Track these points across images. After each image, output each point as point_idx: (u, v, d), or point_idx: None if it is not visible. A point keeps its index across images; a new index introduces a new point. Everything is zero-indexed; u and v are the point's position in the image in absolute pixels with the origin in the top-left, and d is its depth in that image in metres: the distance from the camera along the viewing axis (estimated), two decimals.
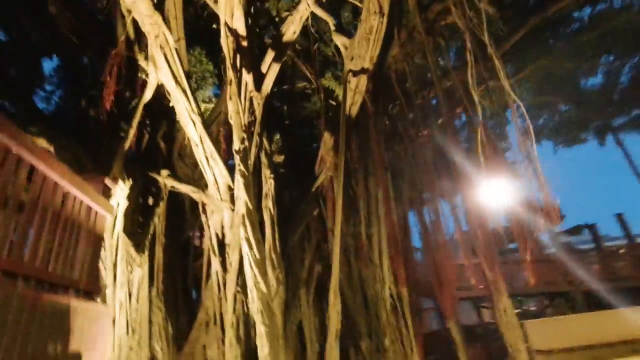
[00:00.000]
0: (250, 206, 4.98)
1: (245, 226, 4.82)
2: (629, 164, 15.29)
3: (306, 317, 6.36)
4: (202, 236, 8.32)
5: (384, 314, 5.76)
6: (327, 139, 7.08)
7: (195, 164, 7.35)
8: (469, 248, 6.40)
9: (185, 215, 7.67)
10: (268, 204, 5.88)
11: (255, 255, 4.64)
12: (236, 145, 5.39)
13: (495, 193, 7.63)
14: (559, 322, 13.06)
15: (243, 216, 4.90)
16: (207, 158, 5.76)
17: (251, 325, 5.03)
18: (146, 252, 5.27)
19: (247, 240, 4.73)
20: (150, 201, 6.02)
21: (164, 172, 6.34)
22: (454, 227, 6.72)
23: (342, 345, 7.16)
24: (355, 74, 6.00)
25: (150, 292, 5.12)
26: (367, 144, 6.71)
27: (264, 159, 6.20)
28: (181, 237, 7.41)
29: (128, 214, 5.04)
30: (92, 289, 3.60)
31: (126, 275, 4.72)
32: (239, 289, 5.05)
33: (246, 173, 5.16)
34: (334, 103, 8.67)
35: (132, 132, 5.35)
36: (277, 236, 5.74)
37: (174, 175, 6.51)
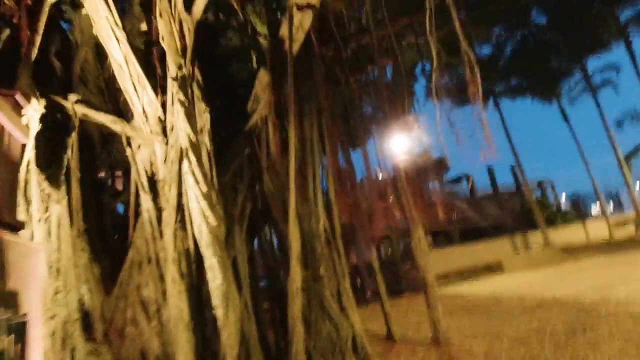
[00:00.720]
0: (193, 139, 4.67)
1: (189, 160, 4.54)
2: (502, 124, 18.33)
3: (239, 253, 6.46)
4: (114, 174, 7.48)
5: (318, 247, 6.20)
6: (263, 76, 6.81)
7: (100, 90, 6.40)
8: (391, 190, 7.14)
9: (95, 151, 6.75)
10: (204, 139, 5.57)
11: (202, 190, 4.46)
12: (173, 71, 4.85)
13: (403, 141, 8.51)
14: (440, 252, 15.75)
15: (186, 149, 4.59)
16: (133, 84, 5.08)
17: (191, 261, 4.95)
18: (63, 188, 4.60)
19: (193, 174, 4.49)
20: (59, 131, 5.14)
21: (72, 97, 5.40)
22: (378, 169, 7.37)
23: (280, 277, 7.55)
24: (301, 8, 5.77)
25: (71, 232, 4.55)
26: (304, 83, 6.68)
27: (197, 91, 5.73)
28: (93, 174, 6.57)
29: (37, 143, 4.26)
30: (15, 223, 3.10)
31: (43, 213, 4.10)
32: (178, 225, 4.84)
33: (186, 103, 4.75)
34: (263, 40, 8.22)
35: (39, 37, 4.36)
36: (214, 173, 5.55)
37: (86, 101, 5.59)
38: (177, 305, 4.44)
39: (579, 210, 24.61)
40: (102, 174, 7.28)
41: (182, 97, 4.70)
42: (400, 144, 8.43)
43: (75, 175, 5.10)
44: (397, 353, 6.04)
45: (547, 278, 11.55)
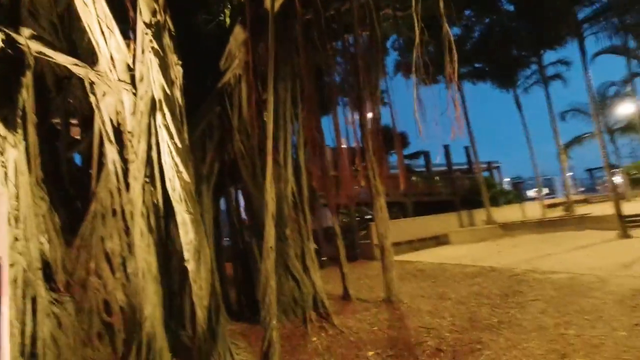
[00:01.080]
0: (168, 91, 4.50)
1: (163, 113, 4.39)
2: (463, 105, 19.15)
3: (207, 210, 6.48)
4: (69, 122, 6.99)
5: (286, 209, 6.37)
6: (239, 33, 6.58)
7: (54, 27, 5.87)
8: (358, 159, 7.39)
9: (49, 95, 6.25)
10: (176, 93, 5.36)
11: (176, 144, 4.37)
12: (146, 16, 4.55)
13: (371, 112, 8.72)
14: (393, 223, 16.55)
15: (160, 102, 4.42)
16: (99, 24, 4.72)
17: (160, 216, 4.93)
18: (19, 132, 4.30)
19: (167, 128, 4.37)
20: (13, 69, 4.70)
21: (26, 31, 4.91)
22: (346, 138, 7.56)
23: (245, 237, 7.65)
24: None
25: (30, 179, 4.31)
26: (282, 44, 6.55)
27: (169, 42, 5.43)
28: (47, 120, 6.13)
29: None
30: None
31: None
32: (147, 179, 4.76)
33: (161, 52, 4.53)
34: None
35: None
36: (185, 128, 5.42)
37: (41, 38, 5.11)
38: (145, 258, 4.45)
39: (518, 192, 26.78)
40: (56, 121, 6.80)
41: (156, 46, 4.47)
42: (368, 115, 8.65)
43: (31, 118, 4.75)
44: (352, 310, 6.52)
45: (487, 251, 12.74)
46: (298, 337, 5.42)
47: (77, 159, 6.87)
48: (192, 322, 4.67)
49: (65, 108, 6.65)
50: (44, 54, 5.02)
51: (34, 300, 3.96)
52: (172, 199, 4.36)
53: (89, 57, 5.24)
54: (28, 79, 4.90)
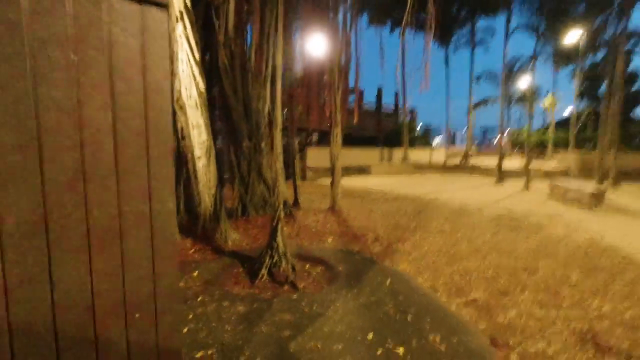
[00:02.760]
0: (189, 3, 4.90)
1: (184, 24, 4.84)
2: (402, 54, 20.72)
3: None
4: None
5: (262, 124, 7.33)
6: None
7: None
8: (328, 90, 8.44)
9: None
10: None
11: (195, 55, 4.94)
12: None
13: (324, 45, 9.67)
14: (325, 150, 18.13)
15: (181, 13, 4.83)
16: None
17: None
18: None
19: (187, 38, 4.86)
20: None
21: None
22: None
23: (225, 142, 8.40)
24: None
25: None
26: None
27: None
28: None
29: None
30: None
31: None
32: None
33: None
34: None
35: None
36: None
37: None
38: None
39: (427, 138, 30.66)
40: None
41: None
42: (322, 47, 9.55)
43: None
44: (305, 214, 8.14)
45: (402, 182, 15.42)
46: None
47: None
48: (196, 208, 5.69)
49: None
50: None
51: None
52: (187, 106, 5.05)
53: None
54: None
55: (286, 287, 4.07)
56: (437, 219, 8.02)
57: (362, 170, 18.57)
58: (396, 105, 25.41)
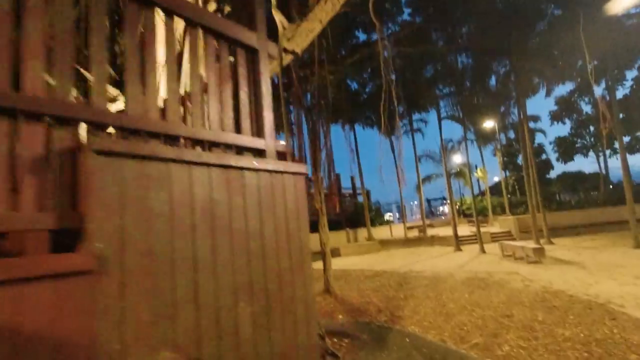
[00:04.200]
0: None
1: None
2: (355, 144, 23.90)
3: None
4: None
5: None
6: None
7: None
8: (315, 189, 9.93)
9: None
10: None
11: None
12: None
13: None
14: None
15: None
16: None
17: None
18: None
19: None
20: None
21: None
22: None
23: None
24: (286, 51, 7.92)
25: None
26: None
27: None
28: None
29: None
30: None
31: None
32: None
33: None
34: None
35: None
36: None
37: None
38: None
39: (382, 215, 33.04)
40: None
41: None
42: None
43: None
44: None
45: (374, 260, 16.67)
46: None
47: None
48: None
49: None
50: None
51: None
52: None
53: None
54: None
55: (328, 358, 4.89)
56: (419, 287, 9.22)
57: (333, 253, 19.63)
58: (353, 187, 27.86)
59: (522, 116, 18.58)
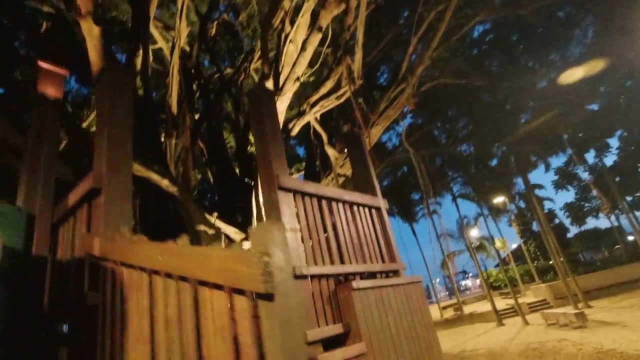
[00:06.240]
0: None
1: None
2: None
3: None
4: None
5: None
6: None
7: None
8: None
9: None
10: None
11: None
12: None
13: None
14: None
15: None
16: None
17: None
18: None
19: None
20: None
21: None
22: None
23: None
24: (339, 175, 10.26)
25: None
26: None
27: None
28: None
29: None
30: None
31: None
32: None
33: None
34: None
35: None
36: None
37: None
38: None
39: None
40: None
41: None
42: None
43: None
44: None
45: None
46: None
47: None
48: None
49: None
50: None
51: None
52: None
53: None
54: None
55: None
56: None
57: None
58: None
59: (527, 190, 20.68)
